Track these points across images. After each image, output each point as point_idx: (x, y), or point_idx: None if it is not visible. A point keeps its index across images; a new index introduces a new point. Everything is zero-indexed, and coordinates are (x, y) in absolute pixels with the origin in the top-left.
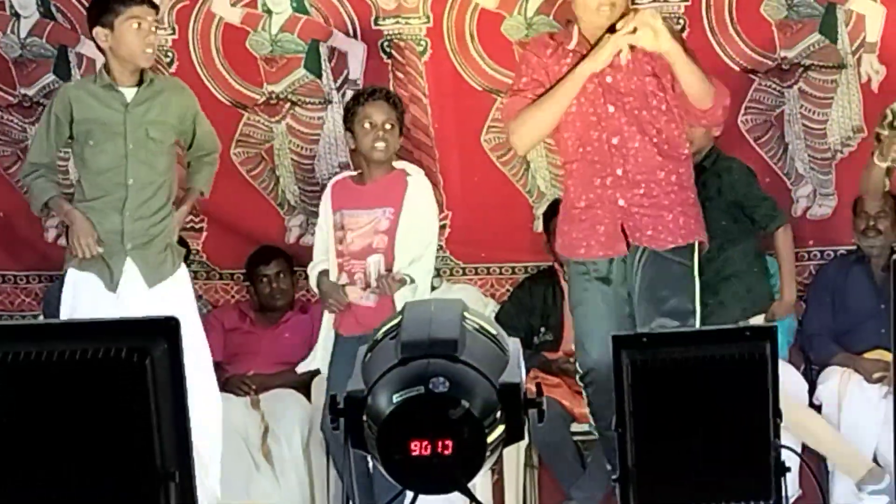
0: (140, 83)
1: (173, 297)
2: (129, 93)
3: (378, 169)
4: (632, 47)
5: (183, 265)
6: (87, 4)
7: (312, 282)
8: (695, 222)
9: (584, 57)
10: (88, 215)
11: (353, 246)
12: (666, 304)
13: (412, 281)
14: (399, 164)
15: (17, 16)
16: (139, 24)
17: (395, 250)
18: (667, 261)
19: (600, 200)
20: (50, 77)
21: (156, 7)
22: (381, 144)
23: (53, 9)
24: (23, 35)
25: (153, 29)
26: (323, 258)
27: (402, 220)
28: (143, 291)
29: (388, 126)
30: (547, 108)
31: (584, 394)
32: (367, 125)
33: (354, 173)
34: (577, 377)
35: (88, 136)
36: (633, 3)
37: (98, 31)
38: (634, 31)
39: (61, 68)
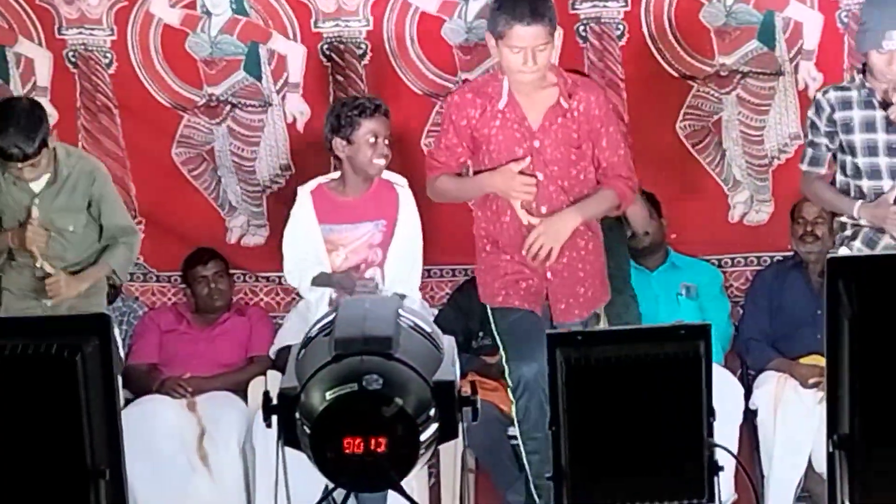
0: (51, 174)
1: None
2: (38, 185)
3: (364, 181)
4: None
5: (102, 298)
6: None
7: (305, 286)
8: (601, 288)
9: (511, 120)
10: (8, 272)
11: (348, 262)
12: None
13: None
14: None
15: (209, 14)
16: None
17: (389, 263)
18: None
19: (528, 267)
20: (240, 75)
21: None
22: (381, 161)
23: (247, 6)
24: (213, 33)
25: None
26: (313, 265)
27: (398, 233)
28: None
29: (387, 142)
30: (454, 193)
31: (513, 408)
32: (370, 139)
33: (329, 181)
34: (509, 389)
35: (1, 221)
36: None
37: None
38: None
39: (252, 65)
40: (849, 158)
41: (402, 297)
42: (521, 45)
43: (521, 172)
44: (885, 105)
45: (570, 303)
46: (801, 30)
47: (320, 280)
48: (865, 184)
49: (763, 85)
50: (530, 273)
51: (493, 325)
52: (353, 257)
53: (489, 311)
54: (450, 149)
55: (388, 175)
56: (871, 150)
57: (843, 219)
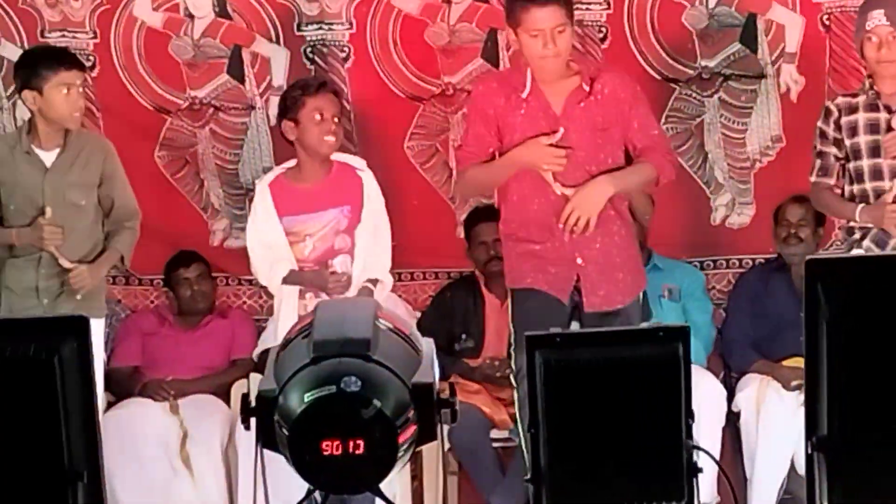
0: (63, 145)
1: None
2: (50, 157)
3: (322, 165)
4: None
5: (101, 323)
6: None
7: (276, 284)
8: (640, 275)
9: (536, 108)
10: (10, 270)
11: (316, 252)
12: None
13: (376, 283)
14: (338, 157)
15: (192, 17)
16: (68, 88)
17: (359, 248)
18: (617, 316)
19: (557, 253)
20: (223, 78)
21: (84, 69)
22: (331, 138)
23: (230, 9)
24: (196, 36)
25: (81, 90)
26: (282, 262)
27: (365, 217)
28: None
29: (336, 120)
30: (487, 178)
31: (514, 393)
32: (317, 117)
33: (286, 170)
34: (511, 374)
35: (10, 198)
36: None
37: (26, 94)
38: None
39: (235, 69)
40: (853, 163)
41: (376, 281)
42: (539, 28)
43: (551, 145)
44: (890, 109)
45: (609, 289)
46: (783, 33)
47: (291, 279)
48: (869, 185)
49: (745, 88)
50: (560, 261)
51: (510, 309)
52: (321, 245)
53: (510, 295)
54: (478, 138)
55: (347, 159)
56: (875, 152)
57: (851, 223)
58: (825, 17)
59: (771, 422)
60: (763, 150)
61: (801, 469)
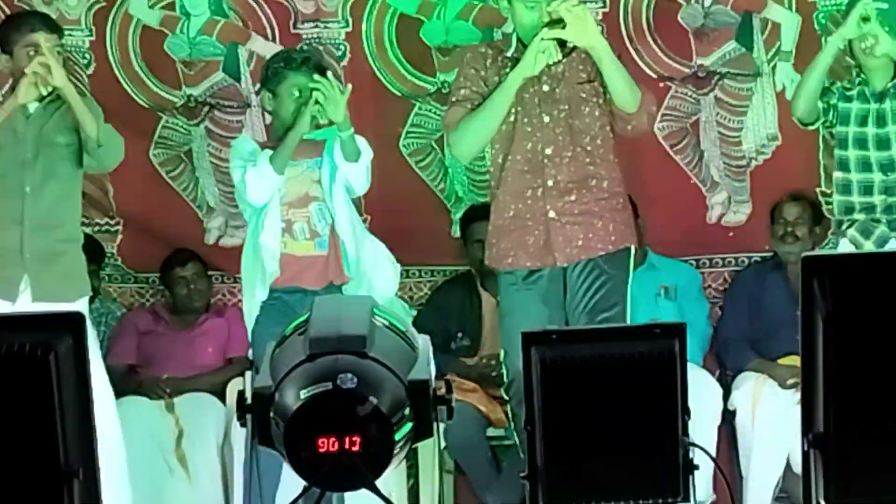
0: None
1: None
2: (33, 105)
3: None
4: (561, 45)
5: (85, 301)
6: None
7: (267, 170)
8: (624, 227)
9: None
10: None
11: (288, 196)
12: (600, 315)
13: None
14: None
15: (188, 15)
16: (35, 50)
17: (334, 199)
18: (601, 272)
19: (530, 211)
20: (219, 76)
21: (56, 30)
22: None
23: (226, 7)
24: (192, 34)
25: (56, 52)
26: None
27: (339, 171)
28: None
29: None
30: (483, 118)
31: (507, 406)
32: (295, 93)
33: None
34: (503, 388)
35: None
36: None
37: (0, 57)
38: (563, 26)
39: (231, 66)
40: (838, 152)
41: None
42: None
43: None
44: (878, 97)
45: (588, 237)
46: (779, 31)
47: (279, 155)
48: (854, 177)
49: (741, 86)
50: (534, 223)
51: (498, 290)
52: (294, 190)
53: (497, 278)
54: (471, 95)
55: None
56: (862, 144)
57: (839, 217)
58: (821, 15)
59: (767, 420)
60: (759, 149)
61: (797, 467)
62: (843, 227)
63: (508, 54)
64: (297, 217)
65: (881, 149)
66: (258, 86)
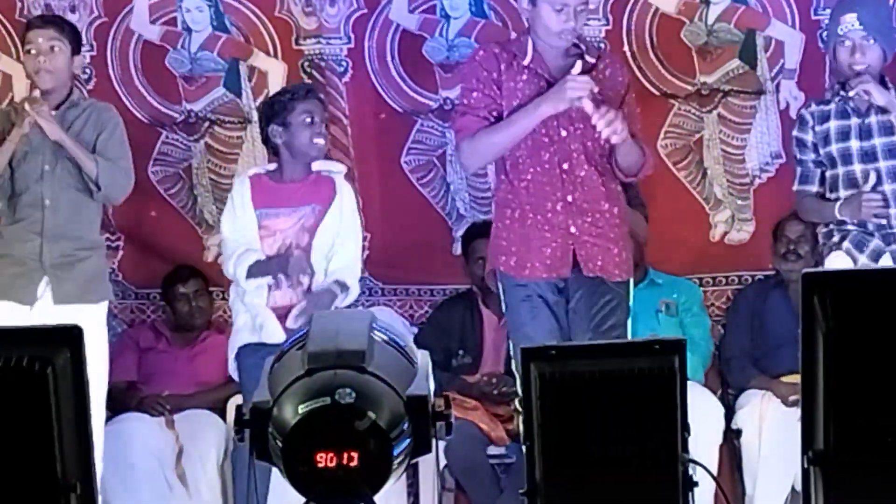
0: (63, 105)
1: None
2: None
3: (304, 167)
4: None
5: (104, 307)
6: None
7: (242, 273)
8: (630, 258)
9: (538, 76)
10: (11, 237)
11: (278, 245)
12: (610, 334)
13: (345, 288)
14: (318, 165)
15: (189, 30)
16: (34, 48)
17: (317, 239)
18: (611, 290)
19: (549, 224)
20: (220, 91)
21: (60, 28)
22: (321, 140)
23: (228, 23)
24: (194, 50)
25: (53, 48)
26: (251, 249)
27: (331, 213)
28: (54, 312)
29: (324, 125)
30: (502, 138)
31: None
32: (307, 119)
33: (266, 171)
34: (517, 401)
35: (19, 163)
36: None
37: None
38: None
39: (232, 82)
40: (829, 172)
41: (345, 285)
42: (565, 3)
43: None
44: (860, 112)
45: (606, 261)
46: (783, 49)
47: (256, 269)
48: (843, 194)
49: (744, 104)
50: (552, 235)
51: (500, 293)
52: (288, 242)
53: (499, 279)
54: (483, 100)
55: (325, 164)
56: (847, 159)
57: (830, 227)
58: (825, 33)
59: (774, 439)
60: (762, 167)
61: (799, 486)
62: (835, 237)
63: (525, 62)
64: None
65: (867, 161)
66: (262, 123)
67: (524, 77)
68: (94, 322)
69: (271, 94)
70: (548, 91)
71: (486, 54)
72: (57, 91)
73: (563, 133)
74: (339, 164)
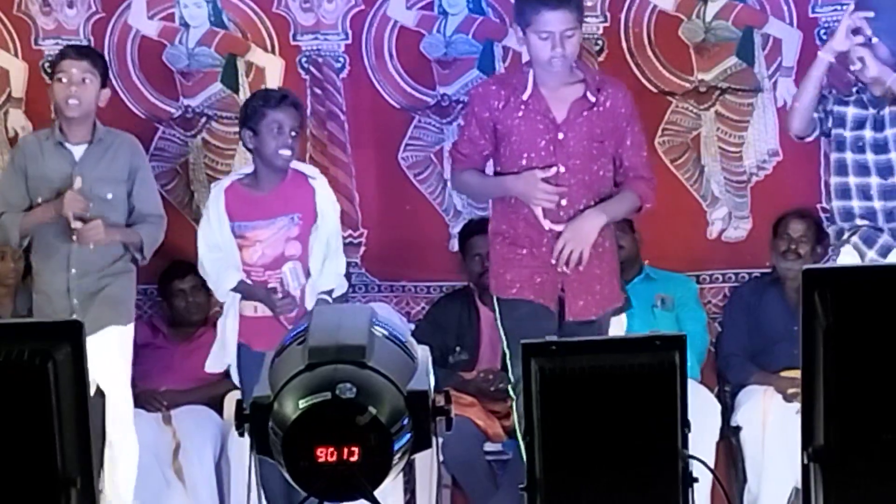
0: (90, 140)
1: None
2: (79, 150)
3: (276, 173)
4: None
5: (130, 329)
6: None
7: (223, 292)
8: (615, 291)
9: (535, 111)
10: (40, 273)
11: (264, 258)
12: None
13: (330, 294)
14: (292, 165)
15: (187, 26)
16: (65, 77)
17: (313, 258)
18: (586, 332)
19: (541, 260)
20: (217, 87)
21: (93, 61)
22: (287, 152)
23: (225, 19)
24: (191, 45)
25: (85, 80)
26: (230, 269)
27: (320, 225)
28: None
29: (293, 133)
30: (477, 190)
31: (514, 404)
32: (275, 129)
33: (243, 176)
34: (510, 386)
35: (38, 193)
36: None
37: (49, 89)
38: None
39: (229, 78)
40: (838, 155)
41: (330, 292)
42: (549, 30)
43: (545, 181)
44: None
45: (587, 300)
46: (780, 47)
47: (240, 289)
48: (852, 180)
49: (742, 101)
50: (545, 268)
51: (498, 319)
52: (270, 252)
53: (496, 304)
54: (472, 141)
55: (301, 167)
56: (859, 148)
57: (840, 224)
58: (822, 31)
59: (777, 434)
60: (760, 164)
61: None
62: (846, 234)
63: (524, 97)
64: (271, 280)
65: (879, 152)
66: (238, 126)
67: (520, 114)
68: (120, 345)
69: None
70: (521, 176)
71: (484, 91)
72: (80, 121)
73: (562, 169)
74: (312, 168)
